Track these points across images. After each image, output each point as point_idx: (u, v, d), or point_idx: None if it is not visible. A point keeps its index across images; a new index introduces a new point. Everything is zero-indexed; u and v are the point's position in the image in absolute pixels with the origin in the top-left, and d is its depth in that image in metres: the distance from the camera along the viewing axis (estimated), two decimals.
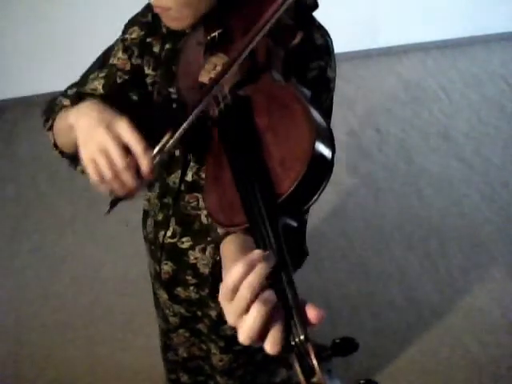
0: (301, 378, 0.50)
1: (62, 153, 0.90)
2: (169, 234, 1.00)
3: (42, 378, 1.89)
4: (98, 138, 0.68)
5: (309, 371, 0.50)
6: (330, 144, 0.62)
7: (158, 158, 0.69)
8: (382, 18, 3.31)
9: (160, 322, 1.23)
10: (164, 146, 0.69)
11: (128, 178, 0.68)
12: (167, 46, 0.89)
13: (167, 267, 1.04)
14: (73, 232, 2.39)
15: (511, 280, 2.18)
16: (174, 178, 0.94)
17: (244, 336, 0.50)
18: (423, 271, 2.21)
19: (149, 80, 0.91)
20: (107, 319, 2.05)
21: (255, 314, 0.49)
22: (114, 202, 0.77)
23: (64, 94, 0.92)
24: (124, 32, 0.92)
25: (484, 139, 2.84)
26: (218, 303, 1.05)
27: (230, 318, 0.52)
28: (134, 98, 0.91)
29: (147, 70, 0.91)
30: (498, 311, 2.06)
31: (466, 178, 2.62)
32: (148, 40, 0.90)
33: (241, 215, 0.61)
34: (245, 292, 0.50)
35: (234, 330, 1.13)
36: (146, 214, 1.09)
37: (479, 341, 1.97)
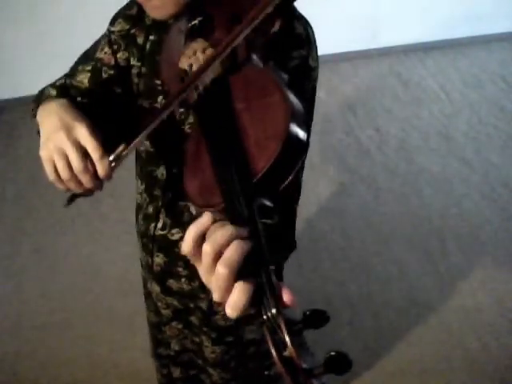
0: (273, 352, 0.51)
1: None
2: (159, 225, 1.02)
3: (42, 378, 1.90)
4: (58, 141, 0.73)
5: (280, 345, 0.51)
6: (305, 127, 0.64)
7: (114, 163, 0.74)
8: (382, 18, 3.31)
9: (151, 316, 1.24)
10: (120, 152, 0.75)
11: (85, 180, 0.74)
12: (151, 37, 0.90)
13: (159, 259, 1.06)
14: (73, 232, 2.39)
15: (511, 280, 2.18)
16: (162, 170, 0.96)
17: (232, 312, 0.51)
18: (423, 271, 2.22)
19: (134, 71, 0.92)
20: (107, 319, 2.05)
21: (239, 290, 0.51)
22: (72, 198, 0.84)
23: (53, 84, 0.93)
24: (110, 25, 0.93)
25: (484, 139, 2.84)
26: (208, 294, 1.06)
27: (215, 295, 0.53)
28: (118, 91, 0.93)
29: (132, 61, 0.92)
30: (498, 311, 2.06)
31: (466, 178, 2.62)
32: (132, 31, 0.91)
33: (217, 196, 0.62)
34: (224, 270, 0.51)
35: (226, 320, 1.12)
36: (139, 207, 1.10)
37: (479, 341, 1.97)
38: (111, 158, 0.75)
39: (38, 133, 0.88)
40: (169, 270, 1.06)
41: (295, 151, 0.63)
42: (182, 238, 1.00)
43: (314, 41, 0.84)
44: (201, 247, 0.54)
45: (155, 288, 1.12)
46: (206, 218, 0.56)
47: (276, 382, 1.26)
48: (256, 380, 1.24)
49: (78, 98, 0.89)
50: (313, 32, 0.85)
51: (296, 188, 0.87)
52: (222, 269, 0.51)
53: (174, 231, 1.01)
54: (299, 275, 2.17)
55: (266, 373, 1.21)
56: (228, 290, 0.52)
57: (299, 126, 0.63)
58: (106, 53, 0.92)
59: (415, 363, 1.91)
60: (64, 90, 0.90)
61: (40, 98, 0.90)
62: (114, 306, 2.09)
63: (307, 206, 2.46)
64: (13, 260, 2.28)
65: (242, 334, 1.14)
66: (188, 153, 0.74)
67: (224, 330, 1.12)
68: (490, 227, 2.38)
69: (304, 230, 2.35)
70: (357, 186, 2.58)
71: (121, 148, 0.75)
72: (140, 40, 0.91)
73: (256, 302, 0.52)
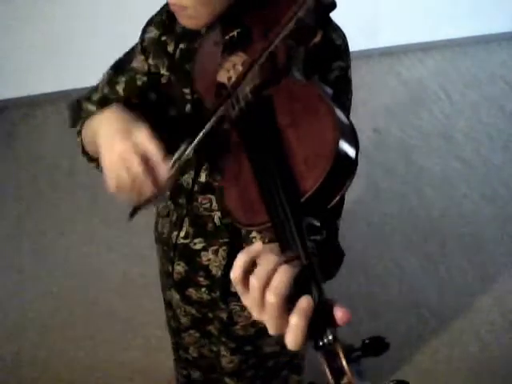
0: (330, 379, 0.49)
1: (90, 159, 0.91)
2: (182, 234, 1.00)
3: (42, 378, 1.89)
4: (118, 148, 0.70)
5: (338, 372, 0.49)
6: (354, 143, 0.61)
7: (176, 167, 0.70)
8: (382, 18, 3.30)
9: (171, 321, 1.23)
10: (182, 154, 0.70)
11: (146, 187, 0.70)
12: (181, 45, 0.88)
13: (179, 268, 1.05)
14: (73, 232, 2.38)
15: (511, 280, 2.18)
16: (187, 179, 0.94)
17: (293, 345, 0.50)
18: (423, 271, 2.21)
19: (163, 80, 0.91)
20: (107, 319, 2.05)
21: (296, 324, 0.49)
22: (134, 211, 0.79)
23: (89, 98, 0.92)
24: (142, 33, 0.92)
25: (484, 139, 2.83)
26: (229, 305, 1.05)
27: (270, 328, 0.52)
28: (153, 97, 0.91)
29: (162, 70, 0.91)
30: (498, 311, 2.06)
31: (466, 178, 2.62)
32: (163, 39, 0.90)
33: (263, 214, 0.60)
34: (273, 299, 0.49)
35: (246, 331, 1.11)
36: (158, 215, 1.10)
37: (479, 341, 1.97)
38: (172, 160, 0.70)
39: (84, 152, 0.91)
40: (189, 278, 1.05)
41: (345, 169, 0.60)
42: (204, 248, 0.99)
43: (350, 53, 0.84)
44: (249, 274, 0.52)
45: (175, 296, 1.11)
46: (256, 245, 0.54)
47: None
48: None
49: None
50: (348, 43, 0.83)
51: (341, 205, 0.86)
52: (271, 298, 0.49)
53: (196, 241, 1.00)
54: None
55: None
56: (281, 318, 0.50)
57: (348, 142, 0.60)
58: (138, 60, 0.91)
59: (415, 363, 1.91)
60: (103, 103, 0.88)
61: (80, 115, 0.89)
62: (114, 306, 2.09)
63: None
64: (13, 260, 2.28)
65: (262, 345, 1.12)
66: (228, 169, 0.71)
67: (243, 340, 1.11)
68: (489, 227, 2.38)
69: None
70: (357, 186, 2.58)
71: (181, 150, 0.71)
72: (170, 48, 0.89)
73: (310, 330, 0.50)
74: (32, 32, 2.84)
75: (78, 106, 0.91)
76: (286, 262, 0.52)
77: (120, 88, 0.90)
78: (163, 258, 1.10)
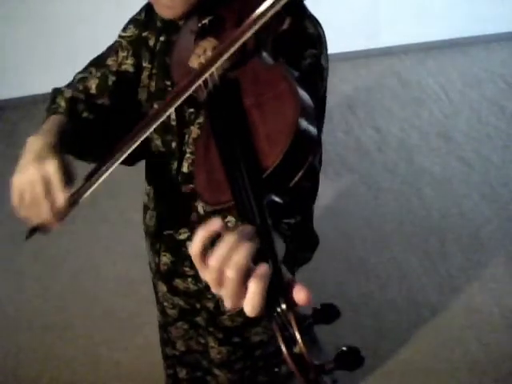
0: (283, 348, 0.50)
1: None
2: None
3: (42, 378, 1.90)
4: (29, 171, 0.80)
5: (290, 341, 0.50)
6: (315, 123, 0.64)
7: (73, 198, 0.79)
8: (382, 18, 3.31)
9: (159, 317, 1.24)
10: (80, 189, 0.79)
11: (43, 210, 0.79)
12: (161, 38, 0.92)
13: (165, 259, 1.06)
14: (73, 232, 2.38)
15: (511, 280, 2.18)
16: (171, 170, 0.96)
17: (251, 311, 0.51)
18: (423, 271, 2.21)
19: (146, 73, 0.94)
20: (107, 319, 2.05)
21: (254, 291, 0.50)
22: (31, 232, 0.89)
23: (62, 93, 0.94)
24: (121, 31, 0.95)
25: (484, 139, 2.84)
26: (215, 294, 1.06)
27: (227, 302, 0.53)
28: (119, 99, 0.95)
29: (144, 63, 0.94)
30: (498, 311, 2.06)
31: (466, 178, 2.62)
32: (144, 34, 0.93)
33: (228, 193, 0.62)
34: (233, 274, 0.51)
35: (233, 321, 1.13)
36: (145, 208, 1.11)
37: (479, 341, 1.97)
38: (70, 192, 0.79)
39: None
40: (175, 269, 1.06)
41: (305, 146, 0.62)
42: (189, 238, 1.00)
43: (325, 40, 0.85)
44: (207, 251, 0.53)
45: (162, 288, 1.12)
46: (215, 221, 0.55)
47: None
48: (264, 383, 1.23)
49: (84, 114, 0.92)
50: (324, 32, 0.85)
51: (312, 186, 0.88)
52: (230, 273, 0.50)
53: (181, 231, 1.01)
54: (299, 275, 2.16)
55: (276, 369, 1.20)
56: (239, 294, 0.51)
57: (309, 121, 0.62)
58: (112, 60, 0.95)
59: (415, 363, 1.91)
60: (73, 103, 0.93)
61: (50, 106, 0.93)
62: (114, 306, 2.09)
63: None
64: (13, 260, 2.28)
65: (249, 335, 1.13)
66: (198, 152, 0.74)
67: (230, 331, 1.12)
68: (490, 227, 2.38)
69: None
70: (357, 186, 2.58)
71: (80, 184, 0.80)
72: (151, 42, 0.93)
73: (266, 299, 0.51)
74: (32, 32, 2.84)
75: (54, 98, 0.94)
76: (246, 237, 0.53)
77: (93, 84, 0.95)
78: (150, 250, 1.12)
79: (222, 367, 1.17)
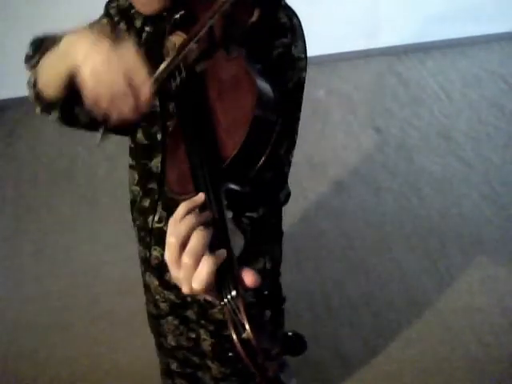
0: (232, 333, 0.53)
1: (38, 95, 0.84)
2: (156, 218, 1.02)
3: (42, 378, 1.90)
4: (103, 56, 0.66)
5: (239, 327, 0.53)
6: (274, 113, 0.65)
7: (156, 85, 0.70)
8: (382, 18, 3.31)
9: (151, 308, 1.24)
10: (162, 72, 0.72)
11: (126, 102, 0.67)
12: (147, 28, 0.90)
13: (156, 252, 1.06)
14: (73, 232, 2.39)
15: (511, 280, 2.18)
16: (156, 163, 0.96)
17: (196, 286, 0.55)
18: (423, 271, 2.21)
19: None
20: (107, 319, 2.05)
21: (202, 267, 0.54)
22: (104, 132, 0.76)
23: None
24: (108, 1, 0.95)
25: (484, 139, 2.83)
26: None
27: (183, 287, 0.57)
28: None
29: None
30: (498, 311, 2.06)
31: (466, 177, 2.62)
32: (132, 11, 0.91)
33: (191, 183, 0.65)
34: (188, 260, 0.54)
35: (223, 314, 1.14)
36: (133, 203, 1.11)
37: (479, 341, 1.97)
38: (153, 78, 0.70)
39: (35, 85, 0.83)
40: (166, 263, 1.06)
41: (264, 136, 0.65)
42: None
43: (301, 31, 0.85)
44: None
45: (153, 281, 1.12)
46: (180, 208, 0.59)
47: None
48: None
49: None
50: (299, 22, 0.85)
51: (275, 176, 0.85)
52: (186, 259, 0.54)
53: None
54: (299, 275, 2.17)
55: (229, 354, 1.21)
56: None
57: (266, 111, 0.64)
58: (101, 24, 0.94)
59: (415, 363, 1.91)
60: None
61: (45, 45, 0.82)
62: (114, 306, 2.09)
63: (307, 206, 2.46)
64: (13, 260, 2.28)
65: None
66: (169, 144, 0.76)
67: (221, 324, 1.12)
68: (490, 227, 2.38)
69: (304, 230, 2.35)
70: (357, 185, 2.58)
71: (162, 67, 0.72)
72: (138, 23, 0.91)
73: (217, 284, 0.55)
74: (32, 33, 2.84)
75: (40, 42, 0.85)
76: (202, 225, 0.57)
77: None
78: (141, 245, 1.12)
79: (214, 359, 1.18)
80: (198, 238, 0.55)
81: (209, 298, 0.58)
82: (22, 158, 2.75)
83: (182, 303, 1.13)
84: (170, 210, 0.99)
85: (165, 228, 1.00)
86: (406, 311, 2.07)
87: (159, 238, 1.04)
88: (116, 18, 0.92)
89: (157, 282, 1.11)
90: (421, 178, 2.62)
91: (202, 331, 1.14)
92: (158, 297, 1.16)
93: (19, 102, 3.00)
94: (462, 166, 2.69)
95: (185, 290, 0.56)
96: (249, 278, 0.56)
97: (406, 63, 3.38)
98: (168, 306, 1.15)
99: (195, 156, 0.65)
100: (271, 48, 0.81)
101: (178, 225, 0.57)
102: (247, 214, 0.73)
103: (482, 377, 1.87)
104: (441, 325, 2.03)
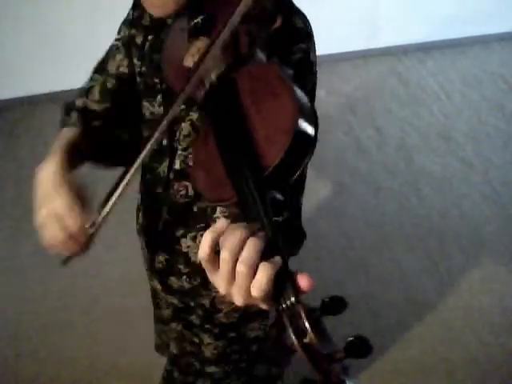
0: (294, 340, 0.51)
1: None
2: (161, 223, 1.02)
3: (42, 378, 1.90)
4: (42, 213, 0.83)
5: (301, 332, 0.52)
6: (313, 121, 0.65)
7: (96, 226, 0.84)
8: (382, 18, 3.31)
9: (157, 312, 1.25)
10: (95, 220, 0.85)
11: (69, 246, 0.85)
12: (150, 37, 0.93)
13: (160, 257, 1.06)
14: None
15: (511, 280, 2.18)
16: (163, 168, 0.96)
17: (257, 293, 0.52)
18: (423, 271, 2.21)
19: (137, 69, 0.96)
20: (107, 319, 2.05)
21: (263, 274, 0.52)
22: (67, 259, 0.94)
23: (74, 104, 0.99)
24: (118, 33, 0.99)
25: (484, 139, 2.83)
26: (210, 291, 1.07)
27: (237, 299, 0.54)
28: (124, 101, 0.99)
29: (135, 61, 0.96)
30: (498, 311, 2.06)
31: (466, 177, 2.62)
32: (132, 32, 0.95)
33: (229, 190, 0.64)
34: (244, 268, 0.52)
35: (228, 318, 1.14)
36: (139, 207, 1.11)
37: (479, 341, 1.97)
38: (87, 225, 0.83)
39: None
40: (170, 267, 1.06)
41: (304, 145, 0.64)
42: (183, 235, 1.00)
43: (313, 35, 0.86)
44: (215, 253, 0.54)
45: (157, 286, 1.12)
46: (221, 222, 0.56)
47: (278, 379, 1.27)
48: (259, 377, 1.24)
49: (95, 122, 0.95)
50: (311, 26, 0.86)
51: (301, 182, 0.90)
52: (242, 268, 0.51)
53: (175, 228, 1.01)
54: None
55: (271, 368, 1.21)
56: (249, 290, 0.52)
57: (307, 120, 0.64)
58: (112, 63, 0.98)
59: (415, 363, 1.91)
60: (83, 113, 0.96)
61: (63, 118, 0.98)
62: (114, 306, 2.09)
63: (307, 206, 2.45)
64: (13, 260, 2.28)
65: (245, 331, 1.13)
66: (195, 151, 0.75)
67: (226, 327, 1.12)
68: (490, 227, 2.38)
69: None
70: (357, 185, 2.58)
71: (95, 215, 0.84)
72: (139, 40, 0.94)
73: (275, 291, 0.53)
74: (32, 33, 2.84)
75: (67, 112, 0.99)
76: (252, 234, 0.54)
77: (96, 91, 0.98)
78: (145, 249, 1.12)
79: (217, 362, 1.17)
80: (251, 247, 0.53)
81: (264, 306, 0.55)
82: (22, 158, 2.74)
83: (185, 308, 1.12)
84: (175, 214, 1.00)
85: (169, 233, 1.01)
86: (406, 311, 2.07)
87: (163, 242, 1.04)
88: (123, 51, 0.97)
89: (160, 287, 1.11)
90: (421, 178, 2.62)
91: (205, 335, 1.14)
92: (161, 302, 1.16)
93: (19, 102, 3.00)
94: (462, 166, 2.69)
95: (238, 300, 0.54)
96: (304, 281, 0.55)
97: (405, 63, 3.38)
98: (171, 311, 1.15)
99: (236, 165, 0.64)
100: (290, 53, 0.82)
101: (228, 238, 0.54)
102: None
103: (482, 377, 1.87)
104: (441, 325, 2.03)
